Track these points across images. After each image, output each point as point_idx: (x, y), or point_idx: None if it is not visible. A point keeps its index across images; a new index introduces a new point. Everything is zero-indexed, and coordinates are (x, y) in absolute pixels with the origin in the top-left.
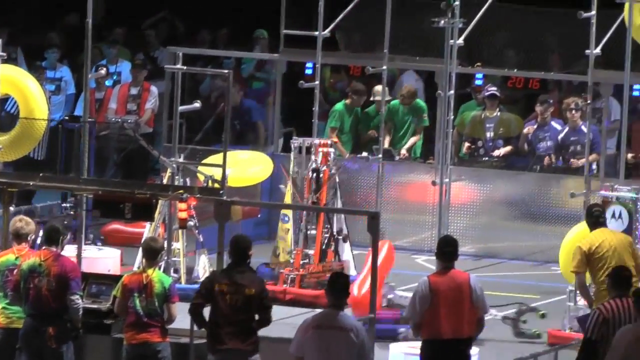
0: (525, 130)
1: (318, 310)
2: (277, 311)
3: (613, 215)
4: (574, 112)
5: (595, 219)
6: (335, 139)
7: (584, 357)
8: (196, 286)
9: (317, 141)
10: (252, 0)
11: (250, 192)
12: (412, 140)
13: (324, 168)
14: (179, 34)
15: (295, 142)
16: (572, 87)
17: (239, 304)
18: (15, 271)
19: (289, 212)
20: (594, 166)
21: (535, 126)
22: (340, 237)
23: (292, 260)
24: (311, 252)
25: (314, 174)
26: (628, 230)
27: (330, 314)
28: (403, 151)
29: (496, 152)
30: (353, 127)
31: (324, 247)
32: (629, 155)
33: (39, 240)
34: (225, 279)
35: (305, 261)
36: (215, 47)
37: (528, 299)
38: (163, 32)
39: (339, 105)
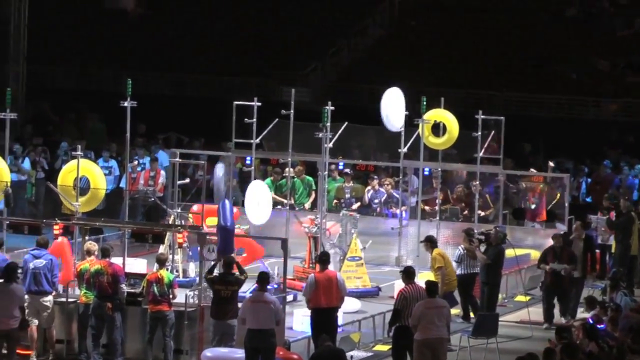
0: (366, 191)
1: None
2: None
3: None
4: (387, 185)
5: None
6: None
7: (393, 319)
8: (189, 279)
9: None
10: (217, 120)
11: None
12: (311, 198)
13: None
14: (182, 143)
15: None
16: (391, 169)
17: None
18: (87, 273)
19: None
20: (404, 214)
21: (371, 191)
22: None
23: None
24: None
25: None
26: None
27: (260, 294)
28: (307, 205)
29: (353, 206)
30: (275, 192)
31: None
32: (426, 207)
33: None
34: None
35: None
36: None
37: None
38: (172, 142)
39: (267, 180)
